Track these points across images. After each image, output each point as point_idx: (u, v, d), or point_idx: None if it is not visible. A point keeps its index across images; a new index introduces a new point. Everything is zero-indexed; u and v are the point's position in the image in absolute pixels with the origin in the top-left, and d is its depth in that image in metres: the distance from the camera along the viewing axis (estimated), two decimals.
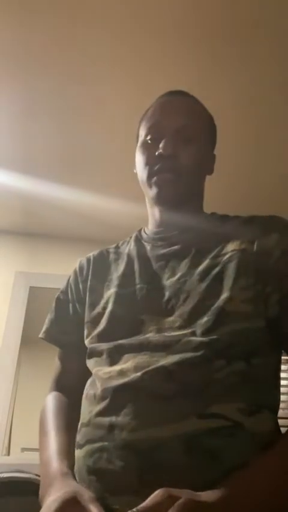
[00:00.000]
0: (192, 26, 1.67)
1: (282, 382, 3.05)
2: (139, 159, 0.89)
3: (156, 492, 0.54)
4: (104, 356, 0.77)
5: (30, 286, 3.18)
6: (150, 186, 0.86)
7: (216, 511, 0.53)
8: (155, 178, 0.85)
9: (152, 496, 0.54)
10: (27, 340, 3.10)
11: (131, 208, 2.57)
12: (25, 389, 3.85)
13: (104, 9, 1.62)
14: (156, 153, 0.84)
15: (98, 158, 2.45)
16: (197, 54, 1.79)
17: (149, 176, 0.86)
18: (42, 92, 2.01)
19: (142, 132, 0.90)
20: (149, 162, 0.86)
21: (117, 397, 0.69)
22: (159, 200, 0.87)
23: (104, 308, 0.83)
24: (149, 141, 0.87)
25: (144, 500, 0.53)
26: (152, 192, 0.86)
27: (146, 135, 0.88)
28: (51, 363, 1.01)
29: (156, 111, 0.88)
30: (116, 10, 1.62)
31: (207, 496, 0.55)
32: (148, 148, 0.87)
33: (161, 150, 0.83)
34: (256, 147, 2.33)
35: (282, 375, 2.98)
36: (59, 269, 3.11)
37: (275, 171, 2.50)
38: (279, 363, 0.75)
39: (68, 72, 1.90)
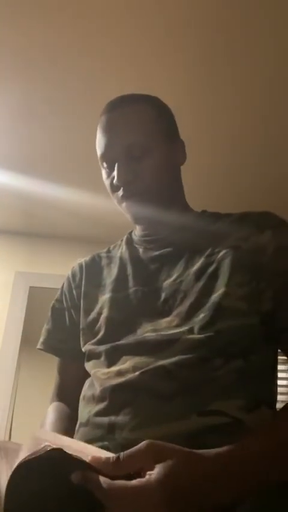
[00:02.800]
0: (191, 33, 1.68)
1: (282, 382, 3.05)
2: (105, 184, 0.88)
3: (141, 443, 0.54)
4: (102, 358, 0.77)
5: (30, 286, 3.18)
6: (123, 210, 0.86)
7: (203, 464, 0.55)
8: (123, 204, 0.84)
9: (137, 446, 0.54)
10: (27, 340, 3.10)
11: None
12: (25, 389, 3.85)
13: (107, 9, 1.62)
14: (114, 182, 0.83)
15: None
16: (195, 59, 1.79)
17: (118, 203, 0.86)
18: (43, 92, 2.01)
19: (98, 157, 0.87)
20: (113, 190, 0.85)
21: (116, 397, 0.69)
22: (137, 222, 0.88)
23: (99, 313, 0.83)
24: (107, 169, 0.85)
25: None
26: (128, 215, 0.86)
27: (102, 163, 0.86)
28: (51, 363, 1.01)
29: (101, 136, 0.85)
30: (119, 11, 1.62)
31: (196, 451, 0.56)
32: (108, 175, 0.86)
33: (115, 181, 0.82)
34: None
35: (282, 375, 2.98)
36: (59, 269, 3.10)
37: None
38: (275, 358, 0.76)
39: (68, 73, 1.90)
